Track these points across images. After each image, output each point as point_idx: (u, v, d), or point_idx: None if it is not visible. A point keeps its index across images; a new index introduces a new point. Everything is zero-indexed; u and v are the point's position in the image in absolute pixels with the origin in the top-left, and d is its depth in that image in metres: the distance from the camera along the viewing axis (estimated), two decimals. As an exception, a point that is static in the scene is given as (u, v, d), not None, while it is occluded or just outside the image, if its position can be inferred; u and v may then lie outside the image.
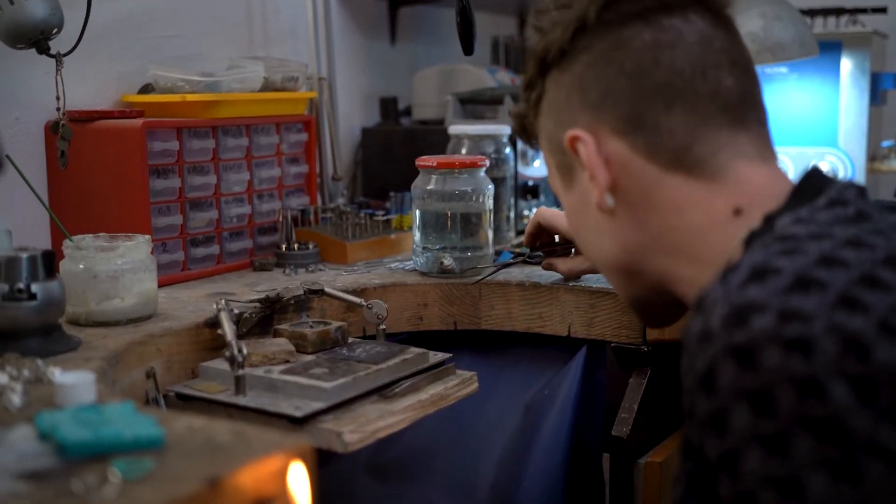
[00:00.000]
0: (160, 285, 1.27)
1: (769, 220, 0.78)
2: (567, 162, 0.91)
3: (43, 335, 1.03)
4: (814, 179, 0.81)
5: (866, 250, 0.69)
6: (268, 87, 1.56)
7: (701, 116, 0.84)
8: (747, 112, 0.86)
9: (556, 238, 1.41)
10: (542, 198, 1.85)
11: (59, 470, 0.69)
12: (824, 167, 1.00)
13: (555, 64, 0.90)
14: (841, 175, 1.98)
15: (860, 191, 0.80)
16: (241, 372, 1.06)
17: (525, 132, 0.99)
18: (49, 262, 1.04)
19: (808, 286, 0.65)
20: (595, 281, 1.38)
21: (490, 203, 1.46)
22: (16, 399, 0.86)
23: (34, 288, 1.02)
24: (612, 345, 1.35)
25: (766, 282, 0.66)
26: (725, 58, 0.86)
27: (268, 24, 1.80)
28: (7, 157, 1.12)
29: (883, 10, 2.05)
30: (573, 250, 1.39)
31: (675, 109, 0.84)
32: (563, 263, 1.37)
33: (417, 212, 1.46)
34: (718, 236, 0.83)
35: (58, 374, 0.92)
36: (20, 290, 1.01)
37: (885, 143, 2.08)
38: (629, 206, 0.87)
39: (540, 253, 1.41)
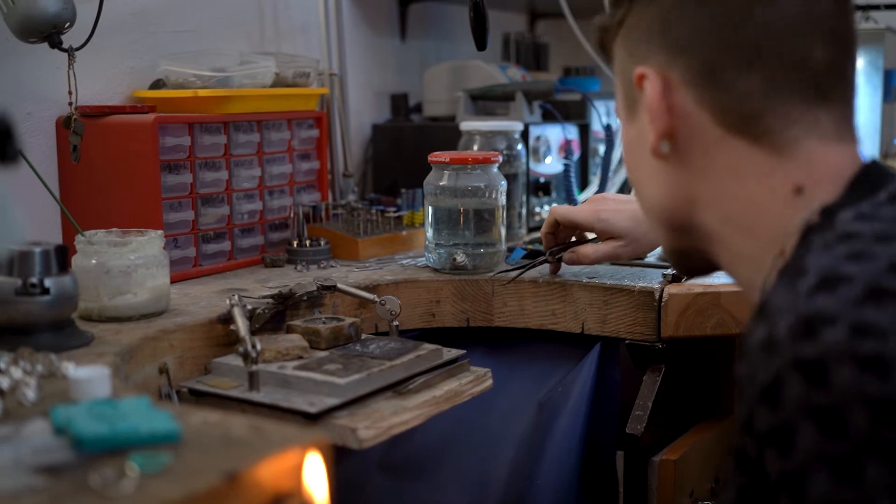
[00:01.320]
0: (172, 281, 1.26)
1: (828, 212, 0.74)
2: (633, 95, 0.86)
3: (56, 330, 1.03)
4: (873, 172, 0.78)
5: None
6: (279, 82, 1.55)
7: (781, 85, 0.79)
8: (832, 87, 0.80)
9: (575, 237, 1.41)
10: (553, 194, 1.84)
11: (75, 464, 0.69)
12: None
13: None
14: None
15: None
16: (254, 368, 1.06)
17: (603, 48, 0.92)
18: (62, 257, 1.03)
19: (881, 297, 0.62)
20: (609, 277, 1.37)
21: (503, 199, 1.46)
22: (30, 393, 0.86)
23: (47, 282, 1.01)
24: (626, 342, 1.34)
25: (836, 291, 0.63)
26: (824, 26, 0.79)
27: (279, 20, 1.80)
28: (19, 152, 1.12)
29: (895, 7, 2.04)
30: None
31: (754, 72, 0.79)
32: (591, 248, 1.37)
33: (430, 208, 1.45)
34: (775, 213, 0.78)
35: (72, 369, 0.91)
36: (33, 285, 1.01)
37: (898, 141, 2.07)
38: (685, 158, 0.82)
39: (559, 250, 1.40)
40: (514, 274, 1.40)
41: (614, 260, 1.39)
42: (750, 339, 0.67)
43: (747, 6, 0.79)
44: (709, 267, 0.89)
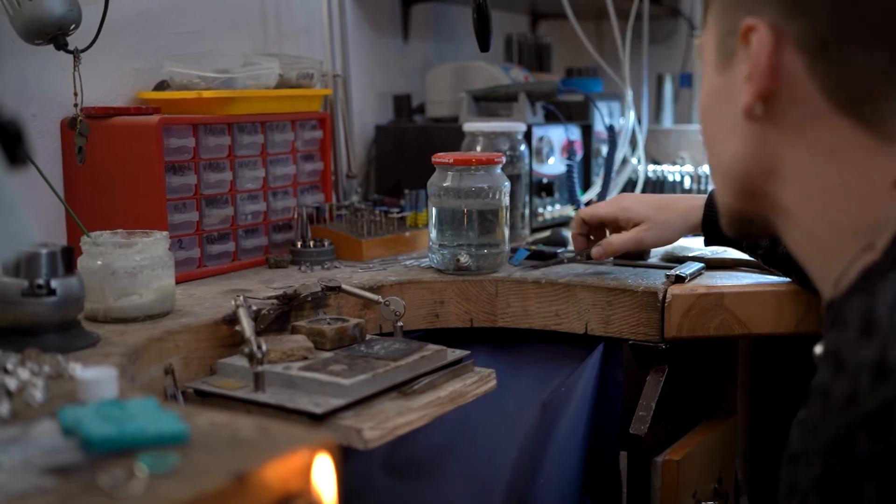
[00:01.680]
0: (177, 282, 1.26)
1: None
2: (731, 45, 0.79)
3: (62, 331, 1.03)
4: None
5: None
6: (283, 83, 1.56)
7: None
8: None
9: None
10: (556, 195, 1.84)
11: (84, 465, 0.69)
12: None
13: None
14: None
15: None
16: (259, 368, 1.06)
17: None
18: (68, 258, 1.04)
19: None
20: (612, 278, 1.37)
21: (507, 200, 1.46)
22: (38, 394, 0.86)
23: (53, 284, 1.02)
24: (630, 342, 1.34)
25: None
26: None
27: (282, 21, 1.80)
28: (29, 155, 1.12)
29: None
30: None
31: (878, 51, 0.73)
32: (615, 237, 1.39)
33: (433, 209, 1.45)
34: (867, 204, 0.74)
35: (79, 370, 0.91)
36: (40, 286, 1.01)
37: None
38: (778, 125, 0.77)
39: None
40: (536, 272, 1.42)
41: (639, 246, 1.40)
42: (852, 353, 0.63)
43: None
44: (766, 235, 0.86)
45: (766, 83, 0.75)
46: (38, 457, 0.70)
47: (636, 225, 1.38)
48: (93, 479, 0.66)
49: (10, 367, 0.91)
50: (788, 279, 1.31)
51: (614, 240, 1.38)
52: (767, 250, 1.29)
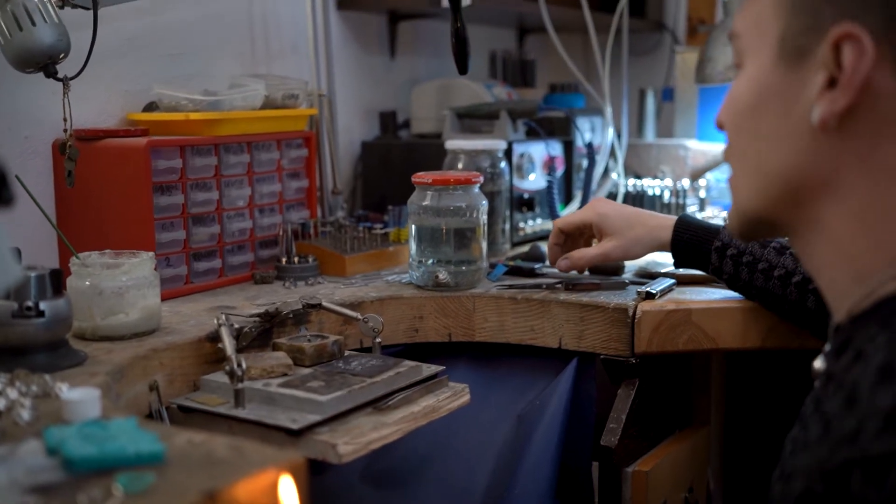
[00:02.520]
0: (164, 299, 1.31)
1: None
2: (805, 44, 0.74)
3: (50, 350, 1.08)
4: None
5: None
6: (269, 104, 1.60)
7: None
8: None
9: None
10: (537, 209, 1.89)
11: (65, 484, 0.74)
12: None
13: None
14: None
15: None
16: (240, 385, 1.11)
17: None
18: (57, 281, 1.09)
19: None
20: (586, 294, 1.42)
21: (484, 218, 1.51)
22: (25, 414, 0.90)
23: (42, 305, 1.06)
24: (602, 357, 1.39)
25: None
26: None
27: (269, 41, 1.85)
28: (16, 177, 1.17)
29: None
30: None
31: None
32: (581, 252, 1.44)
33: (413, 226, 1.50)
34: None
35: (65, 390, 0.96)
36: (29, 308, 1.06)
37: None
38: (849, 138, 0.73)
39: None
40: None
41: (606, 260, 1.45)
42: (869, 394, 0.62)
43: None
44: (774, 237, 0.85)
45: (851, 97, 0.71)
46: (23, 476, 0.75)
47: (607, 235, 1.42)
48: (73, 498, 0.71)
49: (-1, 386, 0.96)
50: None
51: (581, 254, 1.44)
52: (731, 275, 1.34)
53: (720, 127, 0.86)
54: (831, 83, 0.72)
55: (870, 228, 0.74)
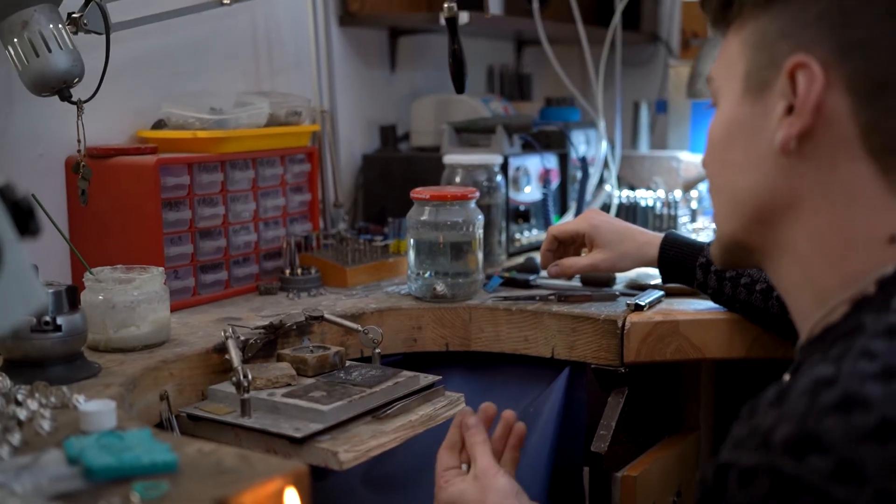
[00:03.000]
0: (172, 310, 1.37)
1: (885, 286, 0.74)
2: (765, 76, 0.80)
3: (67, 363, 1.14)
4: None
5: None
6: (273, 121, 1.66)
7: None
8: None
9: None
10: (532, 221, 1.95)
11: (86, 492, 0.80)
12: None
13: None
14: None
15: None
16: (246, 395, 1.17)
17: (724, 5, 0.85)
18: (73, 296, 1.15)
19: (888, 435, 0.62)
20: (577, 306, 1.48)
21: (480, 232, 1.57)
22: (45, 424, 0.96)
23: (59, 320, 1.12)
24: (592, 366, 1.45)
25: (849, 417, 0.63)
26: None
27: (273, 58, 1.91)
28: (33, 195, 1.22)
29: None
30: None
31: None
32: (571, 260, 1.49)
33: (412, 240, 1.56)
34: (862, 254, 0.77)
35: (82, 402, 1.02)
36: (46, 323, 1.12)
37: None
38: (808, 161, 0.77)
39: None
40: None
41: (594, 270, 1.51)
42: (757, 408, 0.68)
43: None
44: (751, 266, 0.89)
45: (809, 122, 0.76)
46: (47, 484, 0.81)
47: (598, 247, 1.48)
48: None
49: (20, 398, 1.02)
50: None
51: (571, 262, 1.50)
52: (715, 290, 1.39)
53: (704, 167, 0.92)
54: (790, 110, 0.78)
55: (829, 249, 0.78)
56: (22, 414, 0.98)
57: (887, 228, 0.76)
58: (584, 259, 1.50)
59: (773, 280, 0.87)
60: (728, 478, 0.66)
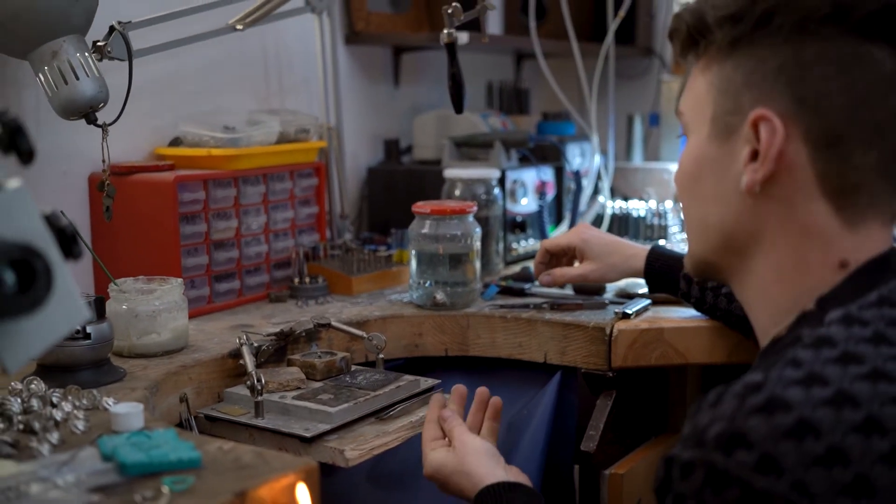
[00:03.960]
0: (189, 317, 1.47)
1: (823, 304, 0.83)
2: (732, 122, 0.87)
3: (95, 368, 1.24)
4: (877, 266, 0.84)
5: (883, 383, 0.73)
6: (283, 138, 1.76)
7: (886, 168, 0.83)
8: None
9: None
10: (529, 231, 2.04)
11: (121, 485, 0.89)
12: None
13: (784, 27, 0.83)
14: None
15: None
16: (259, 398, 1.27)
17: (691, 43, 0.91)
18: (100, 307, 1.25)
19: (803, 434, 0.70)
20: (568, 314, 1.57)
21: (478, 244, 1.66)
22: (80, 424, 1.06)
23: (89, 329, 1.22)
24: (582, 370, 1.54)
25: (771, 418, 0.71)
26: None
27: (283, 77, 2.01)
28: (61, 212, 1.32)
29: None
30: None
31: (872, 152, 0.82)
32: (562, 270, 1.58)
33: (413, 251, 1.66)
34: (815, 278, 0.85)
35: (111, 404, 1.12)
36: (77, 331, 1.22)
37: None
38: (771, 200, 0.85)
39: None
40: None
41: (584, 281, 1.61)
42: (699, 411, 0.76)
43: (884, 89, 0.82)
44: (722, 282, 0.98)
45: (770, 169, 0.84)
46: (85, 478, 0.91)
47: (587, 259, 1.58)
48: (129, 496, 0.86)
49: (55, 400, 1.12)
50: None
51: (562, 272, 1.60)
52: (698, 299, 1.49)
53: (676, 188, 1.01)
54: (754, 155, 0.86)
55: (786, 274, 0.87)
56: (58, 415, 1.08)
57: (839, 255, 0.85)
58: (575, 270, 1.60)
59: (739, 298, 0.96)
60: (672, 470, 0.75)
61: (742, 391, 0.75)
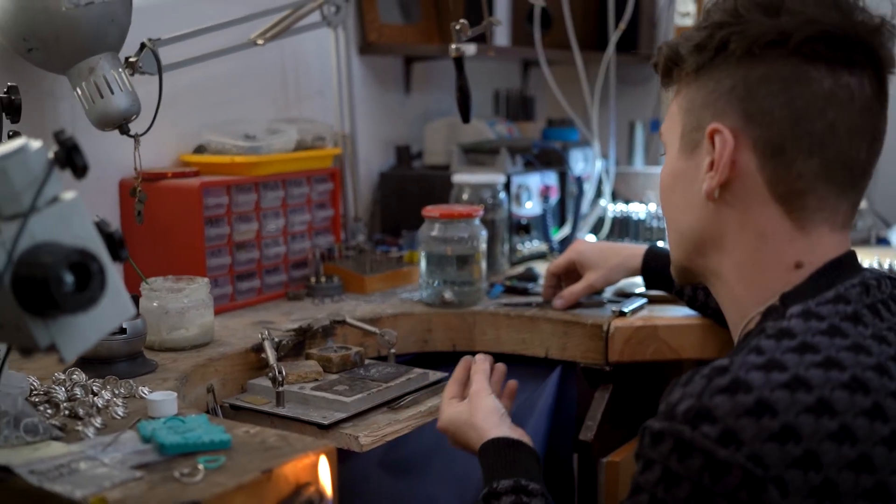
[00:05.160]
0: (214, 314, 1.57)
1: (785, 300, 0.92)
2: (696, 137, 0.97)
3: (130, 360, 1.34)
4: (835, 267, 0.94)
5: (835, 370, 0.83)
6: (300, 146, 1.87)
7: (828, 175, 0.93)
8: (859, 183, 0.96)
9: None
10: (533, 233, 2.15)
11: (160, 463, 1.00)
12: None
13: (735, 55, 0.94)
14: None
15: (866, 288, 0.92)
16: (280, 389, 1.37)
17: (667, 73, 1.02)
18: (135, 305, 1.35)
19: (761, 412, 0.79)
20: (568, 312, 1.67)
21: (484, 246, 1.77)
22: (119, 411, 1.17)
23: (124, 324, 1.33)
24: (581, 365, 1.64)
25: (734, 397, 0.80)
26: (871, 132, 0.94)
27: (300, 88, 2.11)
28: (97, 216, 1.43)
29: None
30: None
31: (813, 159, 0.92)
32: (569, 290, 1.67)
33: (423, 252, 1.76)
34: (773, 278, 0.94)
35: (147, 392, 1.23)
36: (114, 327, 1.32)
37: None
38: (727, 206, 0.96)
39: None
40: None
41: (592, 291, 1.69)
42: (671, 390, 0.86)
43: (822, 104, 0.92)
44: (703, 284, 1.08)
45: (726, 175, 0.95)
46: (129, 457, 1.01)
47: (588, 269, 1.68)
48: (168, 472, 0.97)
49: (95, 389, 1.23)
50: (709, 317, 1.61)
51: (571, 291, 1.67)
52: (690, 297, 1.59)
53: (660, 202, 1.13)
54: (712, 165, 0.97)
55: (747, 275, 0.98)
56: (99, 402, 1.19)
57: (793, 257, 0.96)
58: (580, 283, 1.68)
59: (715, 298, 1.06)
60: (644, 438, 0.86)
61: (709, 373, 0.85)
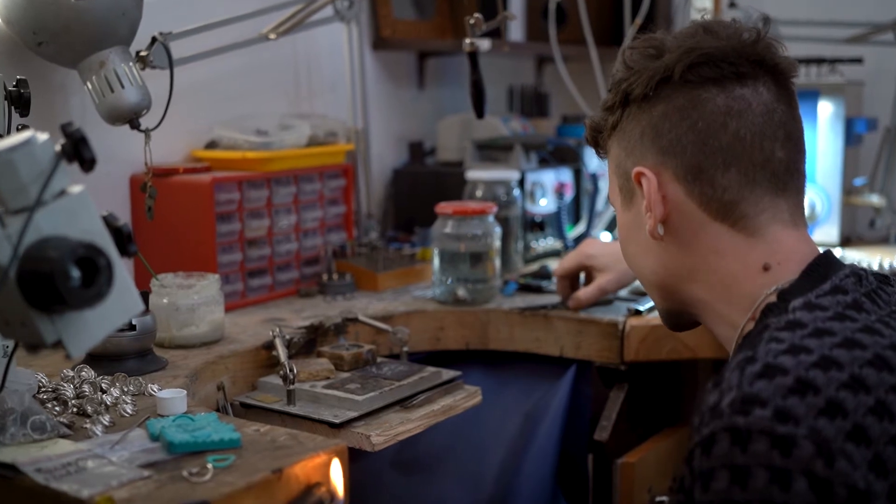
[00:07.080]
0: (225, 311, 1.56)
1: (784, 296, 0.93)
2: (630, 187, 1.03)
3: (140, 357, 1.33)
4: (823, 262, 0.96)
5: (857, 350, 0.83)
6: (312, 141, 1.85)
7: (751, 180, 0.97)
8: (790, 181, 0.99)
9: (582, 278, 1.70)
10: (547, 230, 2.12)
11: (169, 462, 0.99)
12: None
13: (636, 102, 1.01)
14: (819, 209, 2.24)
15: (858, 278, 0.94)
16: (291, 387, 1.35)
17: (596, 144, 1.09)
18: (145, 301, 1.34)
19: (804, 390, 0.79)
20: (583, 311, 1.65)
21: (498, 243, 1.75)
22: (128, 408, 1.16)
23: (134, 321, 1.31)
24: (596, 364, 1.62)
25: (773, 380, 0.80)
26: (782, 131, 0.98)
27: (312, 82, 2.10)
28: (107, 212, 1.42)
29: (859, 61, 2.30)
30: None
31: (731, 170, 0.97)
32: (582, 291, 1.65)
33: (436, 249, 1.74)
34: (747, 285, 0.97)
35: (156, 390, 1.21)
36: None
37: (858, 182, 2.32)
38: (676, 239, 1.00)
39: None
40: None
41: (604, 294, 1.66)
42: (704, 399, 0.83)
43: (722, 119, 0.97)
44: (694, 323, 1.09)
45: (661, 211, 1.00)
46: (137, 456, 1.00)
47: (599, 272, 1.65)
48: (177, 471, 0.95)
49: (104, 386, 1.21)
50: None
51: (583, 294, 1.65)
52: None
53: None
54: (649, 206, 1.01)
55: (724, 294, 1.00)
56: (108, 399, 1.17)
57: (758, 261, 0.98)
58: (592, 288, 1.65)
59: (709, 328, 1.05)
60: (692, 459, 0.81)
61: (737, 366, 0.84)
